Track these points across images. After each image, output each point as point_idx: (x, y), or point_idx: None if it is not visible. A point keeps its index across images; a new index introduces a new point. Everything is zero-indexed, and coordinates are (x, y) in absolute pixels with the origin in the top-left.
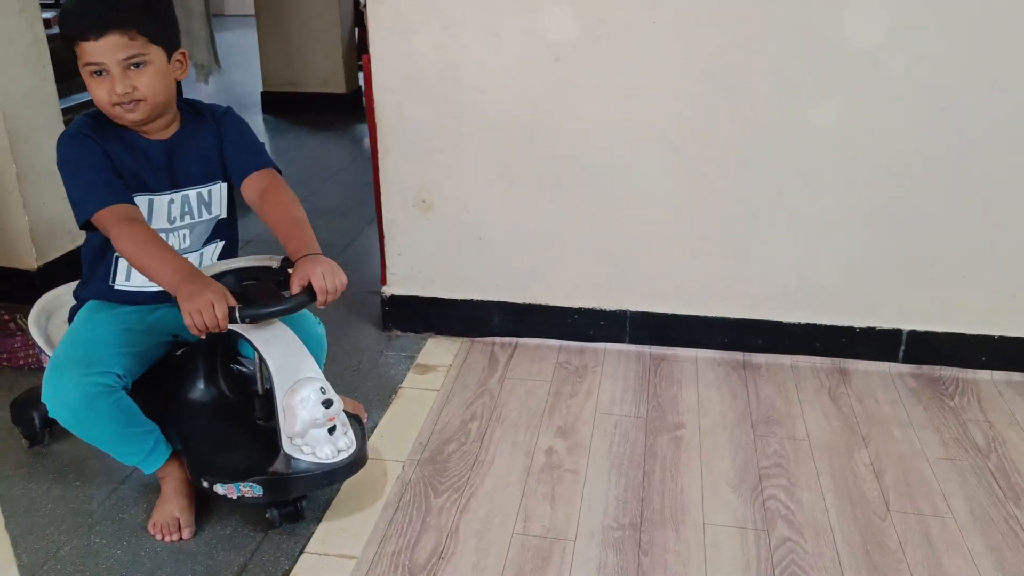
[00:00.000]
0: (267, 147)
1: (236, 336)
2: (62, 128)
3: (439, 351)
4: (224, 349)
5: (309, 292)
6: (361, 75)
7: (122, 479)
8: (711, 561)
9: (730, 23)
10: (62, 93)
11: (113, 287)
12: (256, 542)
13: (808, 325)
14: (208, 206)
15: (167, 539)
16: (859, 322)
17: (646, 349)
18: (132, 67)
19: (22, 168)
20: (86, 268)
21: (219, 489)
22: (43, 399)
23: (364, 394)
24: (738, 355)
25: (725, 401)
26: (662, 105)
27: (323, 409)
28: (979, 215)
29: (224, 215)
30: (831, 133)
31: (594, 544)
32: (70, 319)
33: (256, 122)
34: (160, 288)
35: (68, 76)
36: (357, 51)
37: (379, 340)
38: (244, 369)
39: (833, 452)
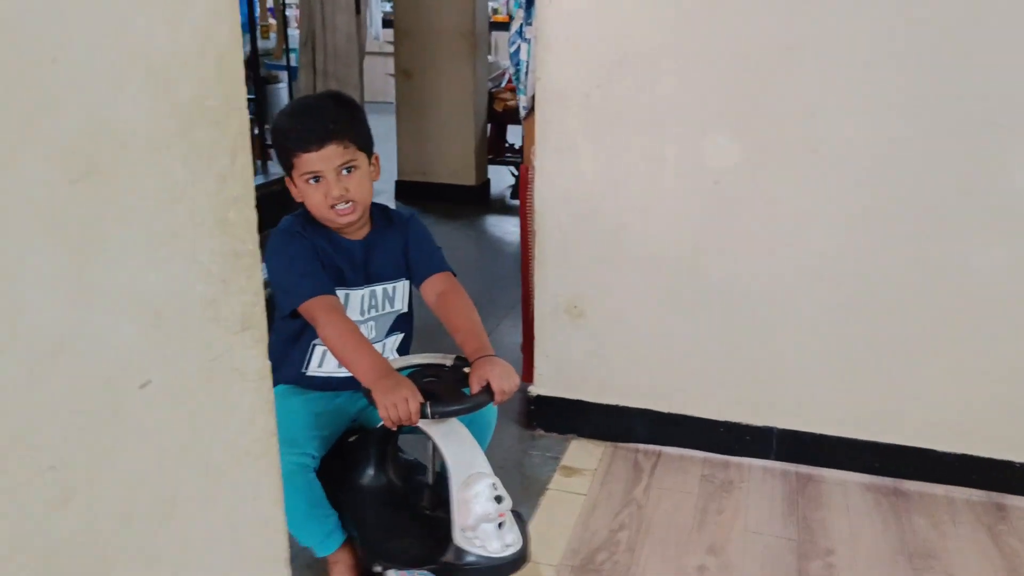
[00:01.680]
0: None
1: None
2: None
3: (583, 454)
4: (395, 438)
5: (488, 391)
6: (489, 168)
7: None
8: None
9: (893, 161)
10: None
11: (305, 373)
12: None
13: (963, 456)
14: (392, 301)
15: None
16: (1018, 457)
17: (792, 467)
18: (344, 172)
19: None
20: (276, 353)
21: (391, 574)
22: None
23: (511, 492)
24: (888, 481)
25: (876, 529)
26: (820, 234)
27: (495, 504)
28: None
29: (405, 309)
30: (995, 277)
31: None
32: None
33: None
34: (347, 374)
35: None
36: (489, 146)
37: (522, 438)
38: (408, 458)
39: None
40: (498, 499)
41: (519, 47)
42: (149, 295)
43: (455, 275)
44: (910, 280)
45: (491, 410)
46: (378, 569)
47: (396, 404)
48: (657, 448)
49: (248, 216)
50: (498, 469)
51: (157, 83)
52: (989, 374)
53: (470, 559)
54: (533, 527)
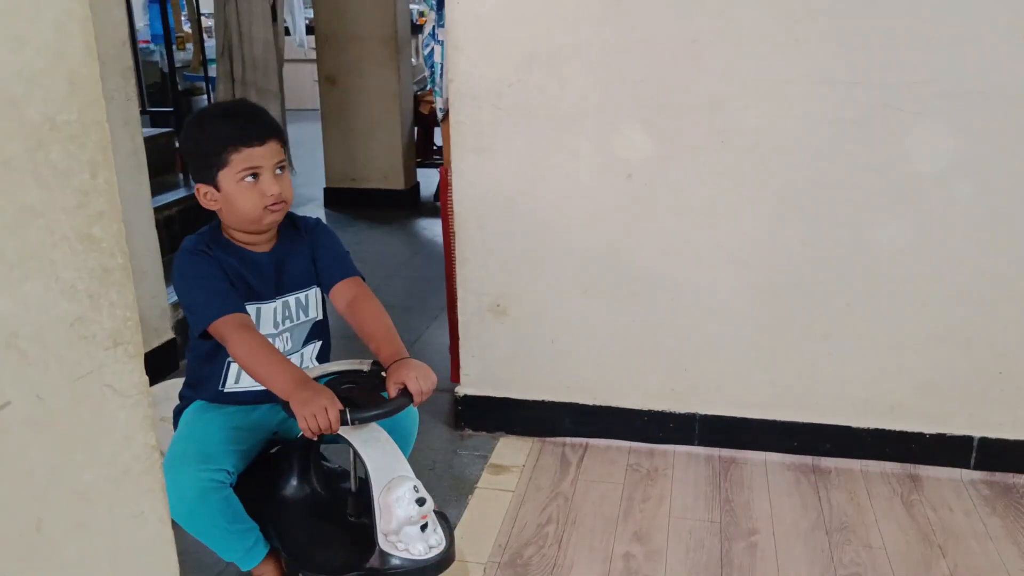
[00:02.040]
0: None
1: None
2: (154, 229)
3: (511, 451)
4: (316, 447)
5: (406, 394)
6: (418, 171)
7: (216, 573)
8: None
9: (799, 147)
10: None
11: (223, 391)
12: None
13: (877, 431)
14: (306, 310)
15: None
16: (929, 429)
17: (715, 452)
18: (278, 171)
19: None
20: (193, 372)
21: None
22: None
23: (441, 493)
24: (807, 459)
25: (797, 506)
26: (733, 223)
27: (417, 507)
28: None
29: (320, 317)
30: (901, 254)
31: None
32: (175, 419)
33: (319, 216)
34: (263, 388)
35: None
36: (416, 149)
37: (451, 439)
38: (332, 466)
39: (911, 562)
40: (420, 501)
41: (433, 49)
42: (3, 316)
43: (363, 279)
44: (819, 263)
45: (412, 414)
46: None
47: (315, 414)
48: (584, 441)
49: (115, 231)
50: (427, 471)
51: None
52: (897, 349)
53: (395, 563)
54: (462, 526)
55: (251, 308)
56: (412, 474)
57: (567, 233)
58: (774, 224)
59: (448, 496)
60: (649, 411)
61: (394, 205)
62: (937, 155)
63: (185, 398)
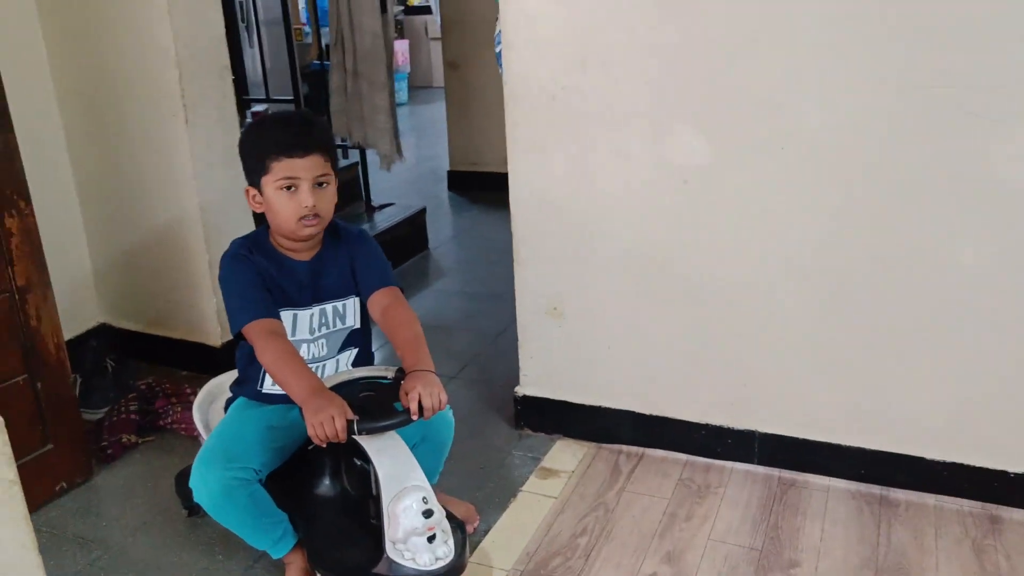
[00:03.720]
0: (447, 224)
1: None
2: (251, 225)
3: (565, 455)
4: (351, 447)
5: (417, 407)
6: None
7: (257, 558)
8: None
9: (862, 153)
10: None
11: (261, 391)
12: None
13: (955, 464)
14: (343, 318)
15: None
16: (1014, 467)
17: (775, 472)
18: (318, 186)
19: (213, 257)
20: (240, 370)
21: None
22: (190, 485)
23: (486, 494)
24: (875, 489)
25: (851, 540)
26: (793, 232)
27: (423, 519)
28: None
29: (357, 325)
30: (984, 270)
31: None
32: (226, 409)
33: (442, 199)
34: None
35: None
36: None
37: (510, 438)
38: (366, 467)
39: None
40: (427, 513)
41: (501, 49)
42: None
43: (402, 290)
44: (894, 276)
45: (446, 423)
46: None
47: (323, 423)
48: (640, 450)
49: None
50: (478, 469)
51: None
52: (982, 375)
53: (400, 571)
54: (496, 530)
55: (287, 314)
56: (426, 484)
57: (621, 237)
58: (837, 234)
59: (491, 498)
60: (707, 424)
61: None
62: (1022, 165)
63: (234, 393)
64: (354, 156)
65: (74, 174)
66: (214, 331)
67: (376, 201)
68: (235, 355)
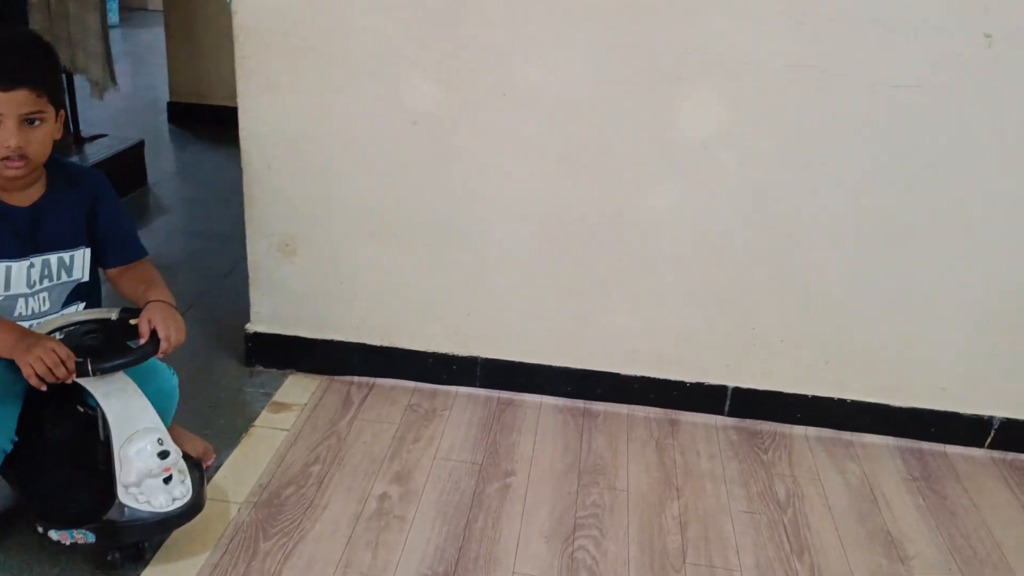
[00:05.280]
0: (168, 159)
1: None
2: None
3: (297, 389)
4: (72, 393)
5: (155, 342)
6: None
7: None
8: None
9: (579, 107)
10: None
11: None
12: None
13: (644, 378)
14: (69, 270)
15: None
16: (690, 377)
17: (495, 394)
18: (27, 123)
19: None
20: None
21: (53, 535)
22: None
23: (217, 431)
24: (579, 403)
25: (558, 449)
26: (518, 177)
27: (159, 460)
28: (799, 293)
29: (86, 278)
30: (668, 215)
31: None
32: None
33: (162, 132)
34: None
35: None
36: None
37: (241, 375)
38: (92, 413)
39: (646, 504)
40: (163, 455)
41: None
42: None
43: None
44: (598, 220)
45: (169, 374)
46: (40, 529)
47: (40, 357)
48: (371, 380)
49: None
50: (208, 408)
51: None
52: (663, 303)
53: (134, 515)
54: (228, 465)
55: None
56: (160, 425)
57: (356, 177)
58: (556, 181)
59: (224, 434)
60: (434, 353)
61: None
62: (704, 122)
63: None
64: None
65: None
66: None
67: (86, 132)
68: None
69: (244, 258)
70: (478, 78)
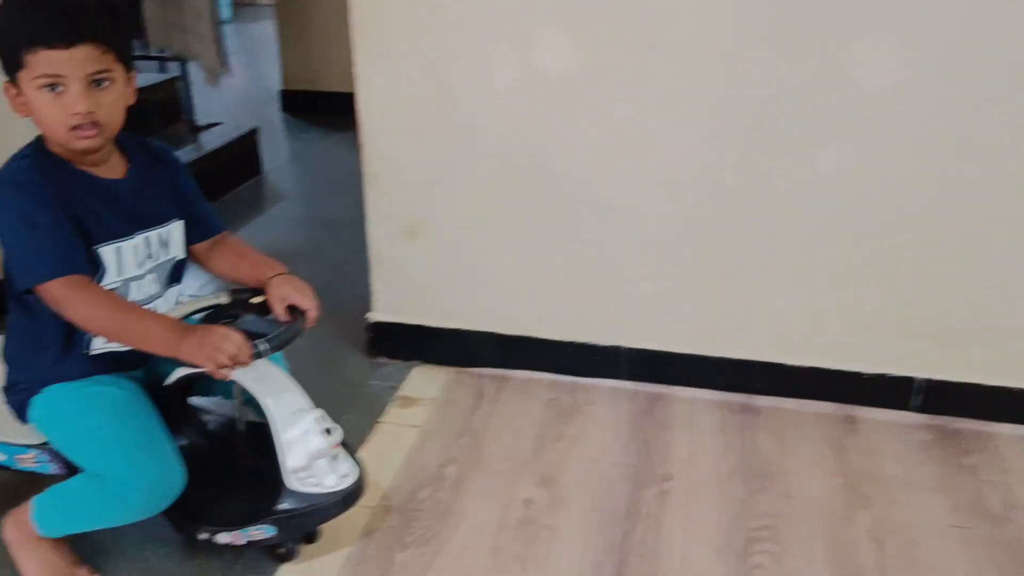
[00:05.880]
0: (282, 147)
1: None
2: None
3: (425, 382)
4: (183, 398)
5: (299, 313)
6: None
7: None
8: None
9: (733, 64)
10: None
11: (89, 354)
12: None
13: (814, 369)
14: (167, 246)
15: None
16: (868, 368)
17: (641, 387)
18: (95, 84)
19: None
20: (30, 344)
21: (222, 538)
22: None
23: (344, 427)
24: (738, 397)
25: (718, 449)
26: (663, 143)
27: (325, 438)
28: (1006, 267)
29: (182, 255)
30: (840, 183)
31: None
32: (18, 413)
33: (275, 121)
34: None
35: None
36: None
37: (364, 368)
38: (206, 417)
39: (830, 515)
40: (328, 431)
41: None
42: None
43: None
44: (755, 189)
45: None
46: (205, 536)
47: (218, 349)
48: (503, 372)
49: None
50: (331, 404)
51: None
52: (834, 284)
53: (309, 500)
54: None
55: (109, 249)
56: (312, 405)
57: (483, 150)
58: (711, 150)
59: (350, 431)
60: (573, 343)
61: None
62: (883, 73)
63: (24, 381)
64: (174, 70)
65: None
66: None
67: (201, 121)
68: (12, 326)
69: (363, 246)
70: (621, 34)
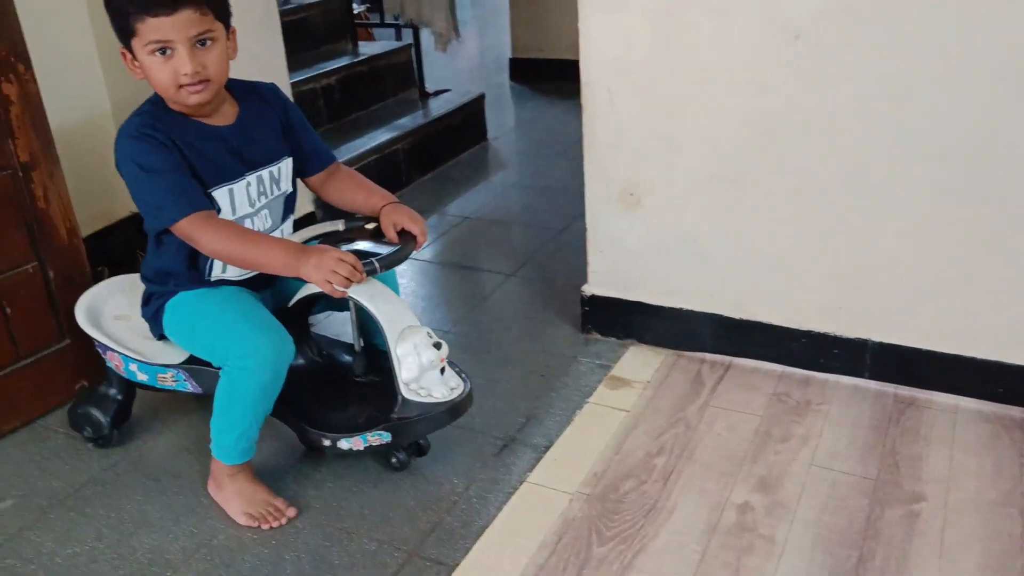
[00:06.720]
0: (508, 114)
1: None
2: None
3: (638, 363)
4: (303, 318)
5: (408, 236)
6: None
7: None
8: None
9: None
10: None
11: (210, 280)
12: (398, 563)
13: None
14: (278, 183)
15: (273, 525)
16: None
17: (890, 388)
18: (199, 44)
19: None
20: (164, 265)
21: (344, 444)
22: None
23: (547, 404)
24: (1015, 411)
25: (986, 472)
26: (933, 106)
27: (435, 351)
28: None
29: (292, 189)
30: None
31: None
32: (152, 316)
33: (503, 88)
34: (251, 275)
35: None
36: None
37: (575, 343)
38: (316, 335)
39: None
40: (437, 346)
41: None
42: None
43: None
44: None
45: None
46: (327, 443)
47: (334, 269)
48: (726, 359)
49: None
50: (537, 376)
51: None
52: None
53: (421, 408)
54: (558, 448)
55: (222, 191)
56: (418, 321)
57: (714, 111)
58: (989, 111)
59: (554, 409)
60: (808, 331)
61: None
62: None
63: (159, 293)
64: (407, 37)
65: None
66: None
67: (431, 88)
68: (148, 254)
69: (581, 215)
70: None
